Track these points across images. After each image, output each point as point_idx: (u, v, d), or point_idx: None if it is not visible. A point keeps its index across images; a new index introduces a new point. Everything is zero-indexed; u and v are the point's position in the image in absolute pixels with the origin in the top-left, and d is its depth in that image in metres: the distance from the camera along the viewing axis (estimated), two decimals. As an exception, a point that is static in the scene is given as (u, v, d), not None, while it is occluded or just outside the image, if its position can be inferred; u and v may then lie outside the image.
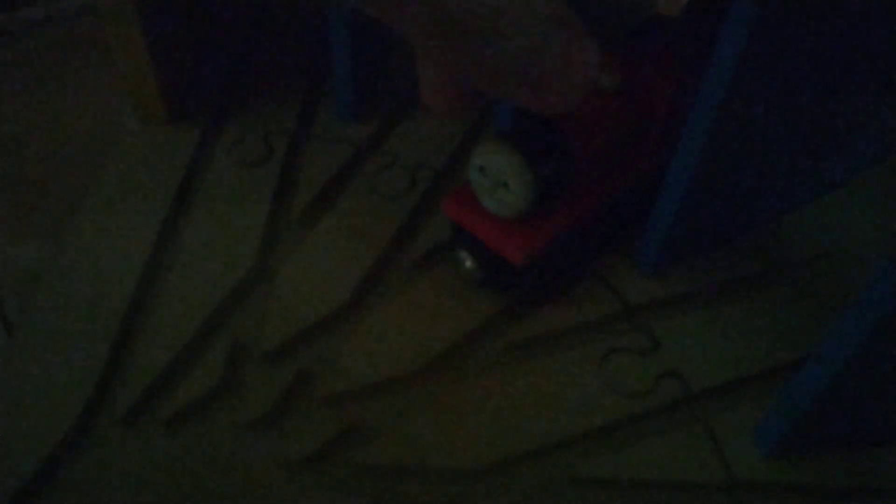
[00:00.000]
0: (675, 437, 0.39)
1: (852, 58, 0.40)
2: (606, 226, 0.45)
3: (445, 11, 0.19)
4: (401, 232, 0.47)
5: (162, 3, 0.48)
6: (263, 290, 0.44)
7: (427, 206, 0.49)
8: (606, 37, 0.48)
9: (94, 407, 0.39)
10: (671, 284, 0.45)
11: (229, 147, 0.52)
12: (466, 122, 0.54)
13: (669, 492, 0.38)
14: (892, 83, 0.45)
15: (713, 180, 0.41)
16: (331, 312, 0.43)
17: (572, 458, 0.39)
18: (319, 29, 0.52)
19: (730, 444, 0.39)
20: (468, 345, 0.43)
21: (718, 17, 0.34)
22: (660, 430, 0.40)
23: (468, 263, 0.43)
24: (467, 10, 0.19)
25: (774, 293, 0.45)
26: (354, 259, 0.46)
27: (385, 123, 0.54)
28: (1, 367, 0.41)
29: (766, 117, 0.39)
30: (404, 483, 0.38)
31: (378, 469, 0.38)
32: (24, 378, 0.40)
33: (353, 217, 0.48)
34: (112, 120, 0.54)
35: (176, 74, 0.51)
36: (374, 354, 0.42)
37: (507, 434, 0.39)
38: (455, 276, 0.45)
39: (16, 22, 0.63)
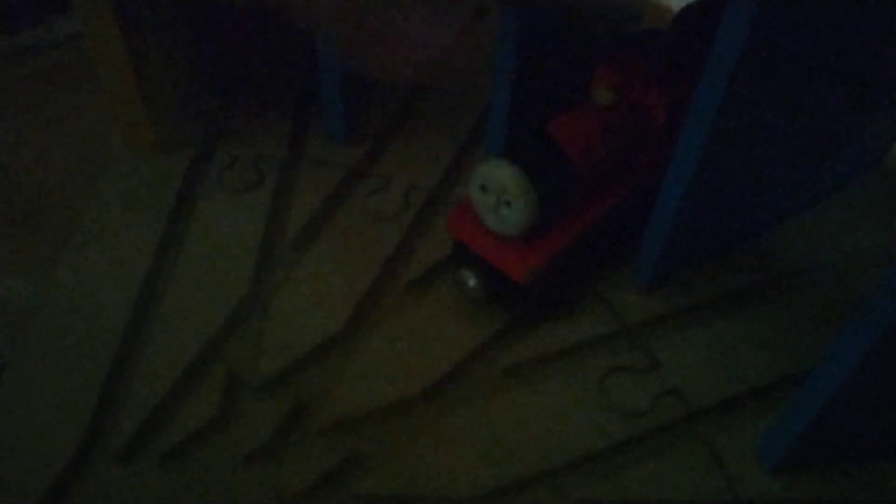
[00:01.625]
0: (677, 455, 0.39)
1: (847, 61, 0.40)
2: (609, 238, 0.45)
3: None
4: (395, 254, 0.47)
5: (149, 30, 0.48)
6: (258, 318, 0.44)
7: (421, 227, 0.49)
8: (600, 47, 0.48)
9: (89, 443, 0.39)
10: (669, 300, 0.45)
11: (219, 173, 0.51)
12: (458, 141, 0.54)
13: (674, 512, 0.37)
14: (885, 87, 0.45)
15: (709, 191, 0.41)
16: (326, 340, 0.43)
17: (575, 480, 0.38)
18: (307, 52, 0.52)
19: (733, 461, 0.39)
20: (465, 369, 0.42)
21: (712, 28, 0.34)
22: (662, 450, 0.39)
23: (472, 282, 0.42)
24: None
25: (773, 305, 0.45)
26: (349, 284, 0.45)
27: (376, 145, 0.53)
28: (-7, 405, 0.40)
29: (762, 125, 0.39)
30: (405, 512, 0.37)
31: (377, 499, 0.37)
32: (17, 415, 0.39)
33: (347, 240, 0.48)
34: (101, 149, 0.54)
35: (164, 102, 0.51)
36: (370, 382, 0.41)
37: (507, 459, 0.38)
38: (451, 297, 0.45)
39: (1, 49, 0.63)
